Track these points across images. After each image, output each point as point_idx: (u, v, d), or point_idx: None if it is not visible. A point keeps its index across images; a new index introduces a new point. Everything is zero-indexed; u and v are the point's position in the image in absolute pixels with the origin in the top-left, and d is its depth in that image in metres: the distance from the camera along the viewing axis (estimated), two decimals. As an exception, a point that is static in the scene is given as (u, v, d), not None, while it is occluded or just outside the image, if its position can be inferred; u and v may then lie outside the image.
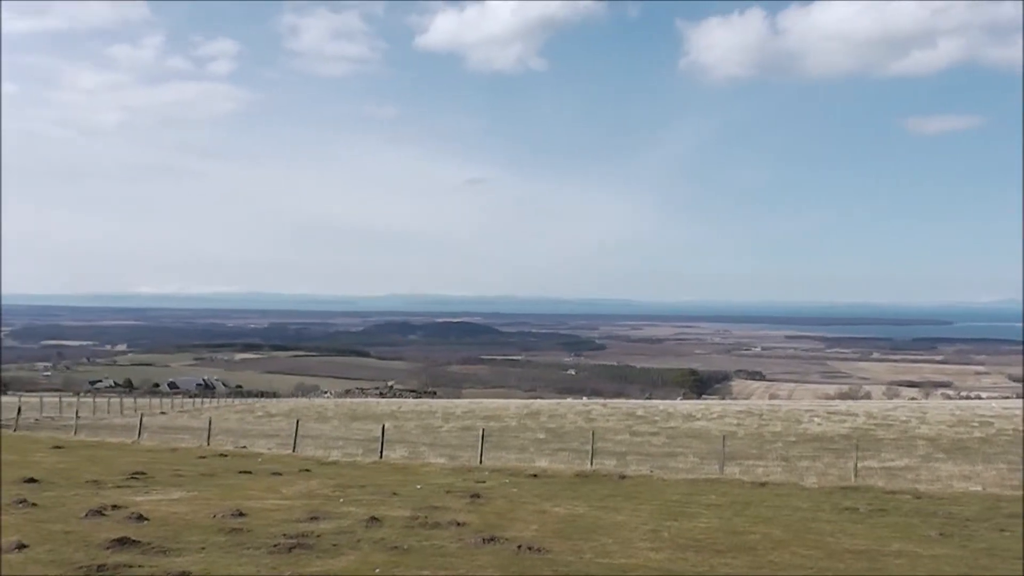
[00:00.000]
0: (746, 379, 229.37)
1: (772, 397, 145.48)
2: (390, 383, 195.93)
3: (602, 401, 78.05)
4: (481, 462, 23.77)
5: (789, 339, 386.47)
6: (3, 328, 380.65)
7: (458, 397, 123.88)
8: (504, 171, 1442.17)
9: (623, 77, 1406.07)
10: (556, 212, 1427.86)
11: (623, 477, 21.05)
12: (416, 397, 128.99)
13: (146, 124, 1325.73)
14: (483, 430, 26.14)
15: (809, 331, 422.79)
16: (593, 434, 25.90)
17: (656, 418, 47.39)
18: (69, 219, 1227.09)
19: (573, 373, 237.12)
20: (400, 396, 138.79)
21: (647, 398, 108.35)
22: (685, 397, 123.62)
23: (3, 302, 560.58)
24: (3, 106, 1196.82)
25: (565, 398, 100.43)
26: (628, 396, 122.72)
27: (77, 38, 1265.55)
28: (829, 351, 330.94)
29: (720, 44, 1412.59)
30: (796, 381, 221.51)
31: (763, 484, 20.01)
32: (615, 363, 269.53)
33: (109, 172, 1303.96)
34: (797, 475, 22.36)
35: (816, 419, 45.15)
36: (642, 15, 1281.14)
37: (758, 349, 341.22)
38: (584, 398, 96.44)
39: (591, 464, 23.47)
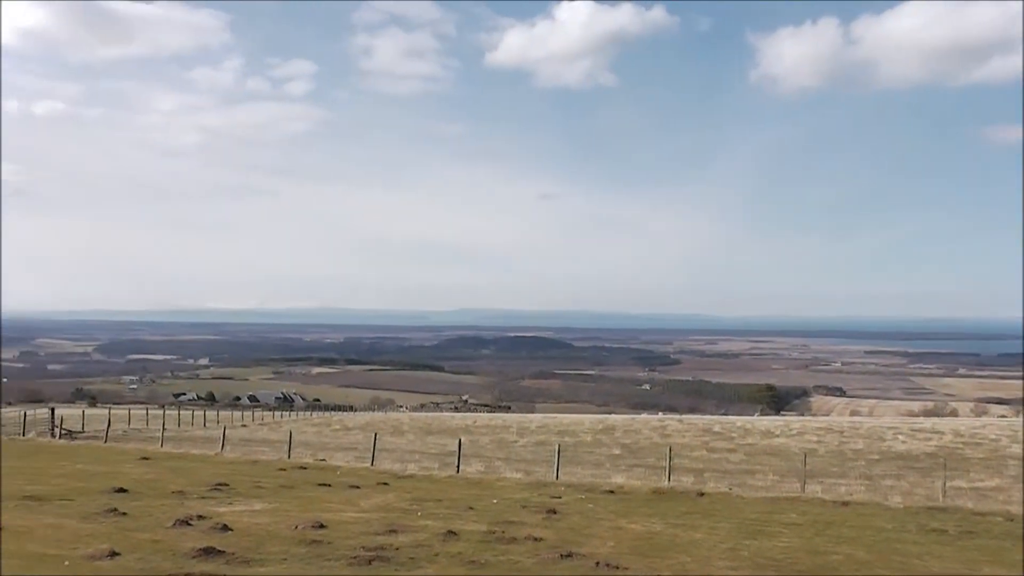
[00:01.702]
0: (825, 395, 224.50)
1: (853, 414, 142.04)
2: (464, 397, 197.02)
3: (677, 417, 77.19)
4: (557, 477, 23.72)
5: (869, 354, 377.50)
6: (88, 343, 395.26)
7: (531, 412, 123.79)
8: (575, 186, 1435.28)
9: (693, 90, 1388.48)
10: (627, 226, 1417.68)
11: (701, 494, 20.80)
12: (490, 411, 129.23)
13: (223, 145, 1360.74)
14: (558, 445, 26.10)
15: (890, 346, 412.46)
16: (670, 450, 25.64)
17: (733, 434, 46.69)
18: (149, 238, 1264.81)
19: (647, 388, 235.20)
20: (474, 410, 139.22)
21: (723, 414, 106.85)
22: (762, 413, 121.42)
23: (88, 318, 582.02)
24: (90, 131, 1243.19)
25: (639, 413, 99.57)
26: (704, 412, 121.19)
27: (159, 63, 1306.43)
28: (912, 367, 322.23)
29: (791, 55, 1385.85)
30: (878, 397, 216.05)
31: (845, 503, 19.56)
32: (690, 378, 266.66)
33: (187, 192, 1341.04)
34: (881, 494, 21.78)
35: (900, 437, 43.95)
36: (713, 28, 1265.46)
37: (838, 364, 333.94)
38: (659, 413, 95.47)
39: (668, 481, 23.23)
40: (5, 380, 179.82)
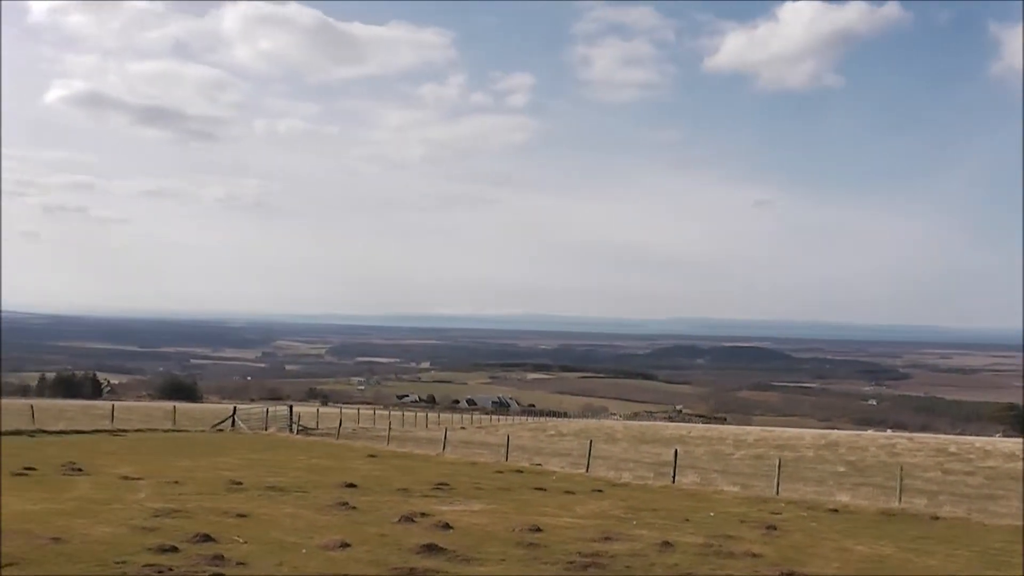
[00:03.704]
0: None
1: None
2: (678, 407, 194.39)
3: (907, 435, 72.67)
4: (777, 493, 22.90)
5: None
6: (321, 345, 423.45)
7: (748, 424, 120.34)
8: (793, 192, 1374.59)
9: (926, 88, 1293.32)
10: (850, 233, 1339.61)
11: (935, 518, 19.43)
12: (705, 422, 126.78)
13: (446, 157, 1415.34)
14: (779, 460, 25.20)
15: None
16: (901, 469, 24.16)
17: (971, 456, 43.35)
18: (377, 246, 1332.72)
19: (873, 403, 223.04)
20: (688, 421, 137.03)
21: (959, 433, 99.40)
22: (1005, 435, 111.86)
23: (321, 322, 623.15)
24: (327, 146, 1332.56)
25: (865, 430, 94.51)
26: (937, 430, 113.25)
27: (389, 81, 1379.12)
28: None
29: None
30: None
31: (1106, 537, 17.66)
32: (921, 394, 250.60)
33: (411, 202, 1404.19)
34: None
35: None
36: (952, 21, 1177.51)
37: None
38: (887, 430, 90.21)
39: (898, 502, 21.88)
40: (249, 378, 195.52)
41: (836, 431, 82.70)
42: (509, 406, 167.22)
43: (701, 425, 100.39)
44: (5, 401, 59.42)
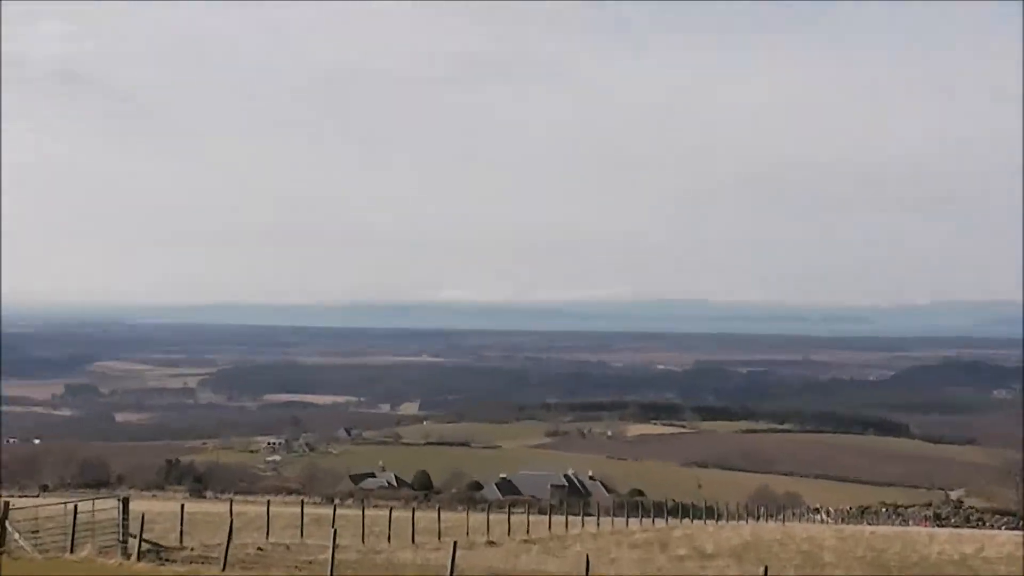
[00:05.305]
0: None
1: None
2: (954, 493, 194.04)
3: None
4: None
5: None
6: (192, 369, 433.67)
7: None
8: None
9: None
10: None
11: None
12: (1011, 528, 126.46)
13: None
14: None
15: None
16: None
17: None
18: (320, 167, 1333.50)
19: None
20: (980, 523, 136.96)
21: None
22: None
23: (195, 320, 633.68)
24: None
25: None
26: None
27: None
28: None
29: None
30: None
31: None
32: None
33: (395, 75, 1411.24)
34: None
35: None
36: None
37: None
38: None
39: None
40: (38, 441, 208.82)
41: None
42: (590, 493, 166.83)
43: (1008, 532, 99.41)
44: None
